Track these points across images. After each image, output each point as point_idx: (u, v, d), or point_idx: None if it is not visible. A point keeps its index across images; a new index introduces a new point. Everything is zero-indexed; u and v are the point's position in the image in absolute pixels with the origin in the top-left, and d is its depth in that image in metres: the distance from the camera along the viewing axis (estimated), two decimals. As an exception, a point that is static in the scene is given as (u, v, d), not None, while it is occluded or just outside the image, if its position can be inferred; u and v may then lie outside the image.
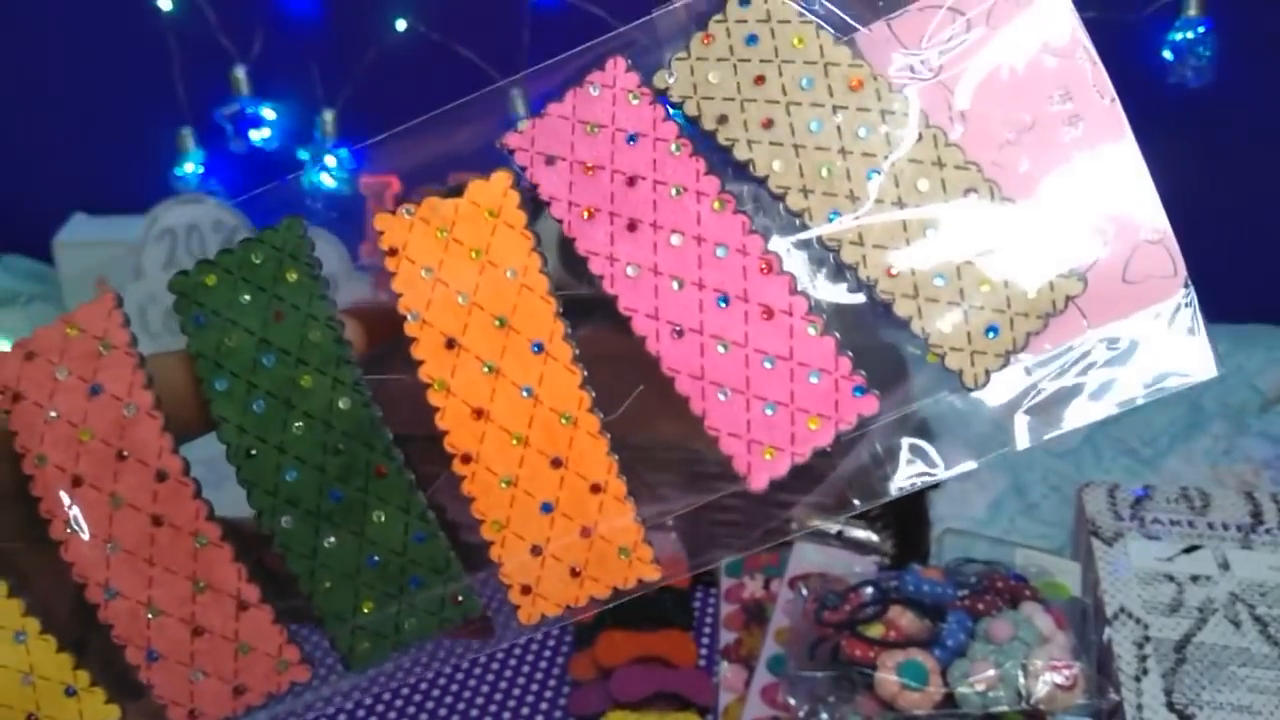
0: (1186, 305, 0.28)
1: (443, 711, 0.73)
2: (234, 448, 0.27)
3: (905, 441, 0.28)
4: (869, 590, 0.65)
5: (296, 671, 0.28)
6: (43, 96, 1.23)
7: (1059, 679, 0.59)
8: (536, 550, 0.27)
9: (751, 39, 0.28)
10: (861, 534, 0.76)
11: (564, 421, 0.27)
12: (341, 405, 0.27)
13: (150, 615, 0.27)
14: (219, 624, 0.27)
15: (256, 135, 1.11)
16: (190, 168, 1.10)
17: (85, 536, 0.27)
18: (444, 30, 1.04)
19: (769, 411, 0.27)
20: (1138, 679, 0.63)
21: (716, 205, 0.27)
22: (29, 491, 0.27)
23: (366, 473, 0.27)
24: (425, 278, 0.27)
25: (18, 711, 0.27)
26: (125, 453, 0.27)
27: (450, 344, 0.27)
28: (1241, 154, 1.09)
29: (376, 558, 0.27)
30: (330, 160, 1.06)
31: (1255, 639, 0.65)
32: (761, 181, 0.28)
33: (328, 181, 0.98)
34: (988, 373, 0.27)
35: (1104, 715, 0.62)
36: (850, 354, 0.26)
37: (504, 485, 0.27)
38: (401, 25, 1.05)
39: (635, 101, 0.28)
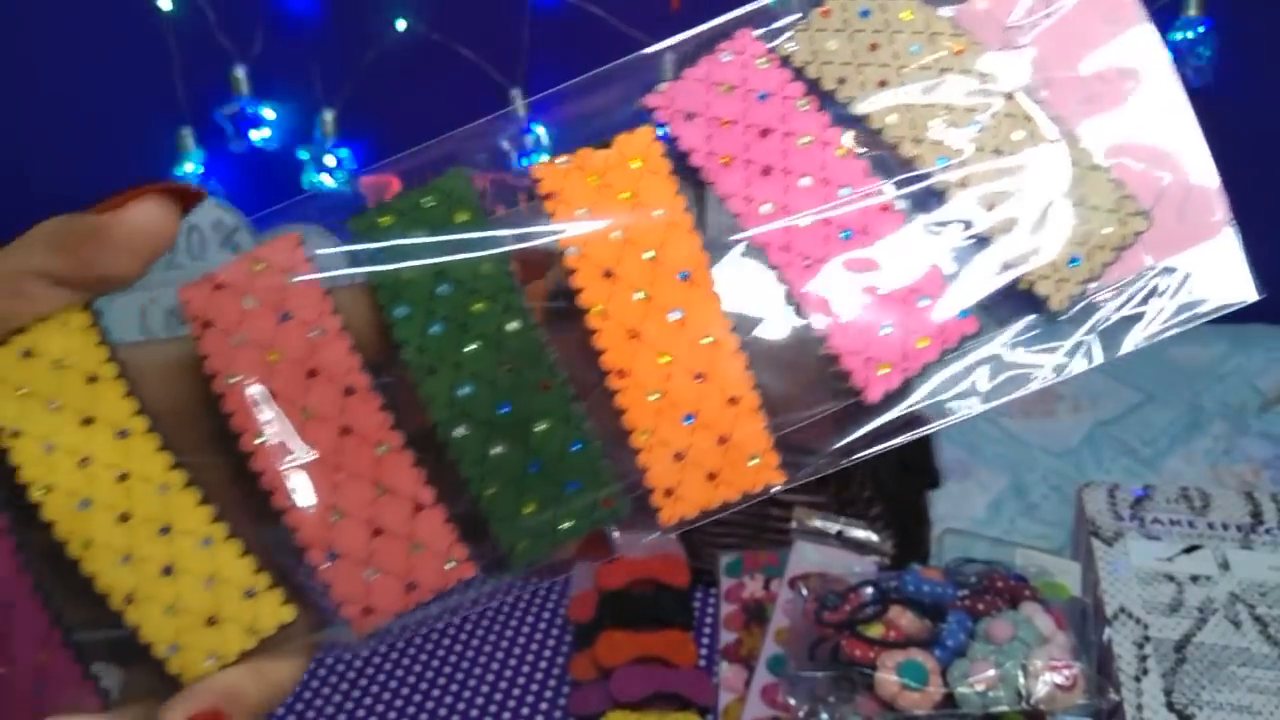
0: (1231, 242, 0.32)
1: (443, 711, 0.73)
2: (415, 366, 0.29)
3: (988, 366, 0.31)
4: (869, 590, 0.65)
5: (464, 569, 0.29)
6: (43, 96, 1.23)
7: (1059, 679, 0.59)
8: (679, 456, 0.29)
9: (865, 13, 0.32)
10: (861, 534, 0.76)
11: (706, 341, 0.29)
12: (510, 328, 0.29)
13: (334, 518, 0.29)
14: (396, 524, 0.29)
15: (256, 135, 1.11)
16: (190, 167, 1.10)
17: (275, 447, 0.28)
18: (444, 30, 1.04)
19: (884, 332, 0.30)
20: (1138, 679, 0.63)
21: (840, 152, 0.31)
22: (218, 410, 0.28)
23: (532, 388, 0.29)
24: (581, 216, 0.30)
25: (198, 615, 0.28)
26: (314, 371, 0.29)
27: (607, 274, 0.30)
28: (1241, 154, 1.08)
29: (538, 464, 0.29)
30: (329, 160, 1.06)
31: (1255, 639, 0.65)
32: (877, 133, 0.31)
33: (328, 181, 0.98)
34: (1070, 298, 0.31)
35: (1104, 715, 0.62)
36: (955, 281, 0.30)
37: (652, 398, 0.29)
38: (401, 25, 1.05)
39: (764, 65, 0.32)
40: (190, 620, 0.28)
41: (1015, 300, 0.31)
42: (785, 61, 0.32)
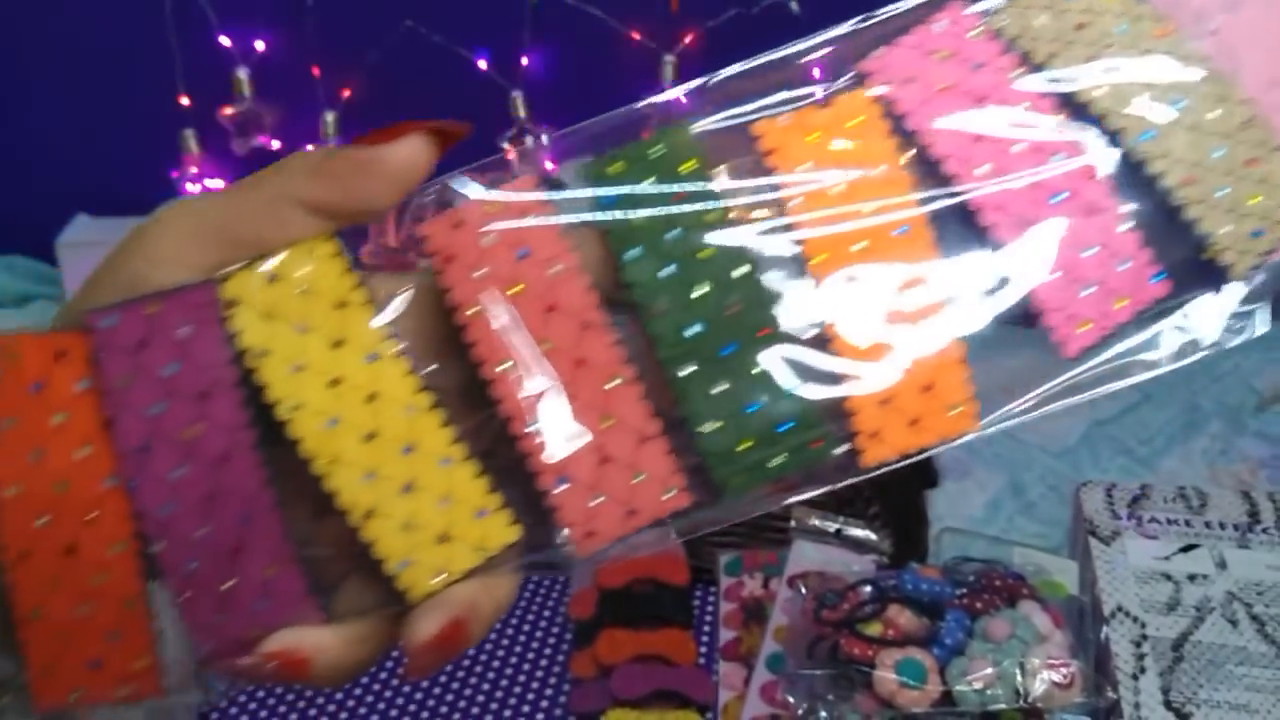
0: None
1: (443, 710, 0.73)
2: (645, 306, 0.30)
3: (1171, 330, 0.33)
4: (867, 589, 0.65)
5: (679, 498, 0.30)
6: (45, 98, 1.23)
7: (1057, 677, 0.59)
8: (886, 402, 0.31)
9: None
10: (860, 533, 0.76)
11: (924, 295, 0.31)
12: (736, 274, 0.30)
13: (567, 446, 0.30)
14: (622, 453, 0.29)
15: (259, 137, 1.11)
16: (192, 169, 1.10)
17: (515, 377, 0.29)
18: (444, 30, 1.04)
19: (1085, 292, 0.31)
20: (1135, 677, 0.63)
21: (1052, 121, 0.32)
22: (455, 340, 0.29)
23: (753, 331, 0.30)
24: (804, 169, 0.31)
25: (432, 532, 0.28)
26: (553, 306, 0.29)
27: (829, 224, 0.31)
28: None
29: (756, 404, 0.30)
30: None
31: (1252, 637, 0.65)
32: (1084, 106, 0.32)
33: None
34: (1250, 269, 0.32)
35: (1101, 713, 0.62)
36: (1151, 247, 0.31)
37: (866, 346, 0.31)
38: (402, 27, 1.05)
39: (976, 37, 0.33)
40: (423, 537, 0.28)
41: (1198, 267, 0.32)
42: (997, 35, 0.33)
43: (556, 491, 0.29)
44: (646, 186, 0.30)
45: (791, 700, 0.62)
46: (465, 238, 0.30)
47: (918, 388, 0.31)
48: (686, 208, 0.30)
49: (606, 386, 0.29)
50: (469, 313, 0.29)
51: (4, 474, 0.27)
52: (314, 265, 0.29)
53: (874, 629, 0.63)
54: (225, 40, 1.11)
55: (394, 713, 0.73)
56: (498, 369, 0.29)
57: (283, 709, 0.74)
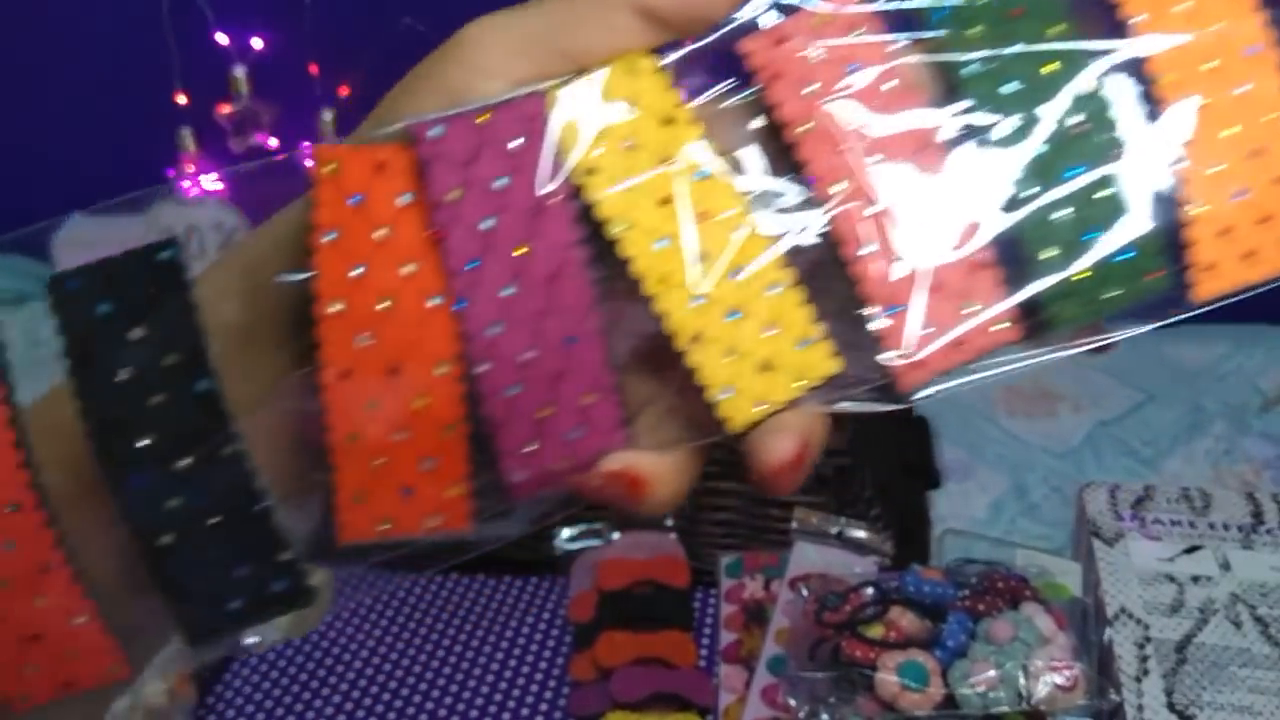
0: None
1: (443, 712, 0.73)
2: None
3: None
4: (869, 591, 0.65)
5: (1009, 331, 0.29)
6: (42, 96, 1.23)
7: (1060, 679, 0.59)
8: (1223, 233, 0.29)
9: None
10: (862, 534, 0.76)
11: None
12: (1081, 92, 0.28)
13: (898, 271, 0.29)
14: (954, 281, 0.28)
15: (256, 135, 1.11)
16: (190, 167, 1.10)
17: (848, 198, 0.28)
18: (444, 30, 1.04)
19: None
20: (1138, 679, 0.63)
21: None
22: (772, 160, 0.28)
23: (1098, 154, 0.28)
24: (1177, 29, 0.29)
25: (752, 360, 0.28)
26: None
27: (1198, 68, 0.29)
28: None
29: (1096, 232, 0.29)
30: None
31: (1256, 639, 0.65)
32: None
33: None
34: None
35: (1105, 716, 0.62)
36: None
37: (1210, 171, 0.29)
38: (401, 25, 1.05)
39: None
40: (746, 365, 0.27)
41: None
42: None
43: (886, 317, 0.28)
44: (1014, 49, 0.28)
45: (793, 703, 0.62)
46: (791, 53, 0.28)
47: (1255, 219, 0.29)
48: (1024, 24, 0.28)
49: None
50: (800, 130, 0.28)
51: (325, 289, 0.26)
52: (638, 80, 0.27)
53: (876, 631, 0.62)
54: (222, 38, 1.11)
55: (392, 715, 0.73)
56: (832, 189, 0.28)
57: (280, 711, 0.73)
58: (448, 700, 0.74)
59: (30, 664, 0.27)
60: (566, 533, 0.82)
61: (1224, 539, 0.72)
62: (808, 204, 0.28)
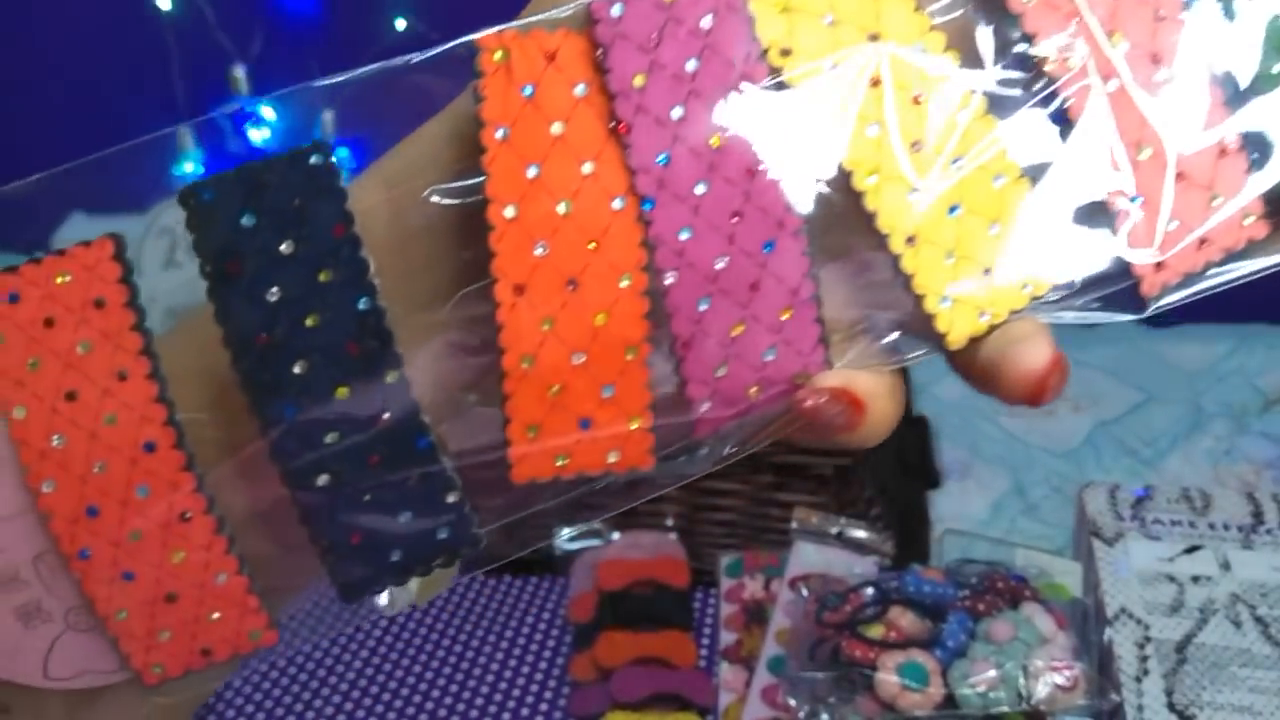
0: None
1: (443, 712, 0.73)
2: None
3: None
4: (869, 591, 0.65)
5: (1258, 226, 0.25)
6: (42, 96, 1.23)
7: (1060, 679, 0.59)
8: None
9: None
10: (862, 534, 0.76)
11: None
12: None
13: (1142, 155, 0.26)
14: (1199, 173, 0.25)
15: (256, 135, 1.11)
16: (190, 167, 1.10)
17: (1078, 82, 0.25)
18: (444, 30, 1.04)
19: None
20: (1138, 679, 0.63)
21: None
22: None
23: None
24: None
25: (978, 265, 0.25)
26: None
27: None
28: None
29: None
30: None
31: (1256, 639, 0.65)
32: None
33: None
34: None
35: (1105, 716, 0.62)
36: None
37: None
38: (401, 25, 1.05)
39: None
40: (970, 269, 0.25)
41: None
42: None
43: (1127, 210, 0.25)
44: None
45: (793, 703, 0.62)
46: None
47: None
48: None
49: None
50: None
51: (499, 192, 0.24)
52: None
53: (876, 631, 0.62)
54: (223, 38, 1.11)
55: (392, 715, 0.73)
56: (1065, 61, 0.24)
57: (280, 711, 0.73)
58: (448, 700, 0.74)
59: (164, 629, 0.25)
60: (566, 533, 0.82)
61: (1224, 539, 0.72)
62: (1033, 81, 0.25)
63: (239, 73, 1.09)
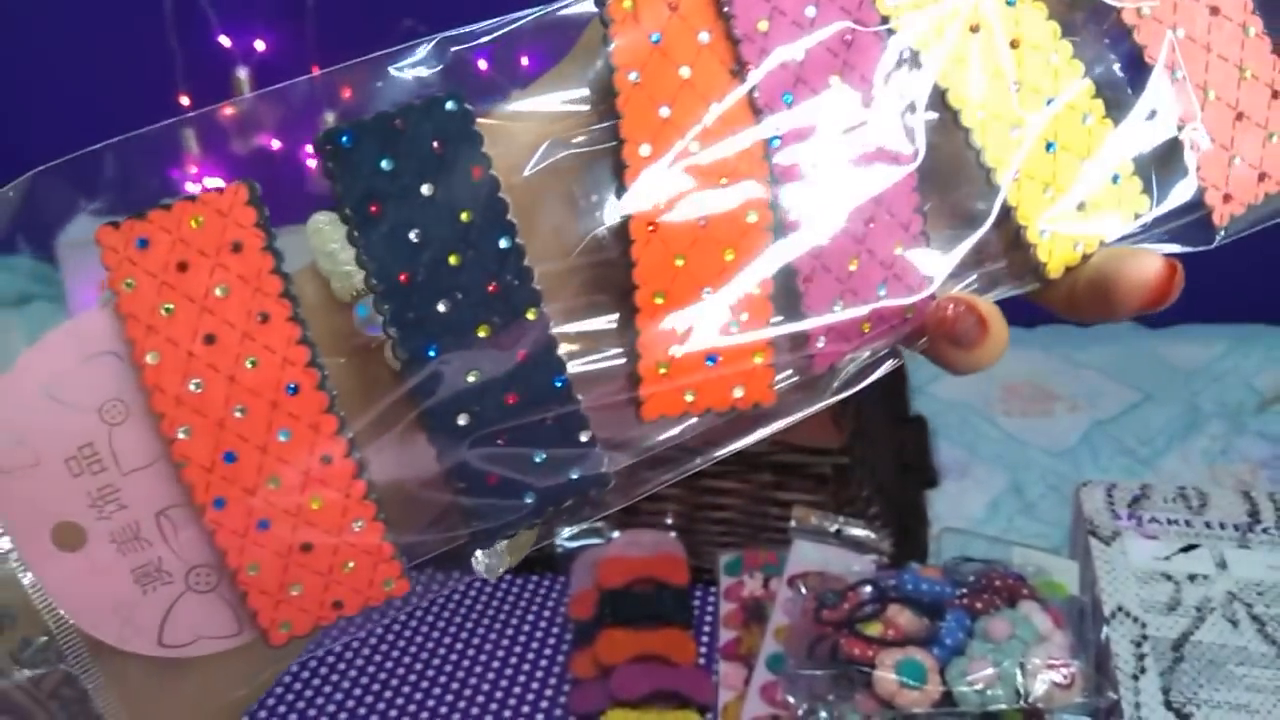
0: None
1: (443, 710, 0.73)
2: None
3: None
4: (868, 589, 0.65)
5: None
6: (44, 96, 1.23)
7: (1057, 677, 0.59)
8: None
9: None
10: (860, 533, 0.76)
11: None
12: None
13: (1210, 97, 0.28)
14: (1255, 112, 0.28)
15: (258, 136, 1.11)
16: (192, 168, 1.10)
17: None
18: (444, 30, 1.04)
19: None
20: (1135, 677, 0.63)
21: None
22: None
23: None
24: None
25: (1070, 198, 0.27)
26: None
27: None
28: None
29: None
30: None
31: (1253, 638, 0.65)
32: None
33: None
34: None
35: (1102, 714, 0.62)
36: None
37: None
38: (402, 26, 1.05)
39: None
40: (1065, 202, 0.26)
41: None
42: None
43: (1197, 149, 0.27)
44: None
45: (792, 700, 0.62)
46: None
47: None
48: None
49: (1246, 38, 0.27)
50: None
51: (633, 131, 0.25)
52: None
53: (874, 629, 0.62)
54: (225, 40, 1.11)
55: (392, 714, 0.73)
56: (1139, 9, 0.27)
57: (281, 709, 0.74)
58: (448, 699, 0.74)
59: (296, 582, 0.24)
60: (566, 531, 0.82)
61: (1220, 538, 0.72)
62: (1113, 27, 0.27)
63: (242, 74, 1.09)
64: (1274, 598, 0.68)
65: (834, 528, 0.76)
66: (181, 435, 0.23)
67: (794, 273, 0.25)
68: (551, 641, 0.78)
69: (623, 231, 0.25)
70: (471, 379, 0.24)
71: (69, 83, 1.21)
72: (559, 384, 0.24)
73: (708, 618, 0.79)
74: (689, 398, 0.25)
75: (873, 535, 0.76)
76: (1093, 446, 0.96)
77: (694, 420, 0.26)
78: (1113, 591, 0.69)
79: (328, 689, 0.75)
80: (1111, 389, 1.03)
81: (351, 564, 0.24)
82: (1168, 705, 0.61)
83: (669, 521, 0.82)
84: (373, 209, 0.24)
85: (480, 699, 0.74)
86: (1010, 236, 0.26)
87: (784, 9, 0.25)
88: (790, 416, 0.27)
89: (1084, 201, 0.26)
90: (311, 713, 0.73)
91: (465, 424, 0.24)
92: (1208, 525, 0.73)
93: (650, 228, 0.25)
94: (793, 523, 0.76)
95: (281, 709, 0.74)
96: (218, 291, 0.23)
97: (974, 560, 0.69)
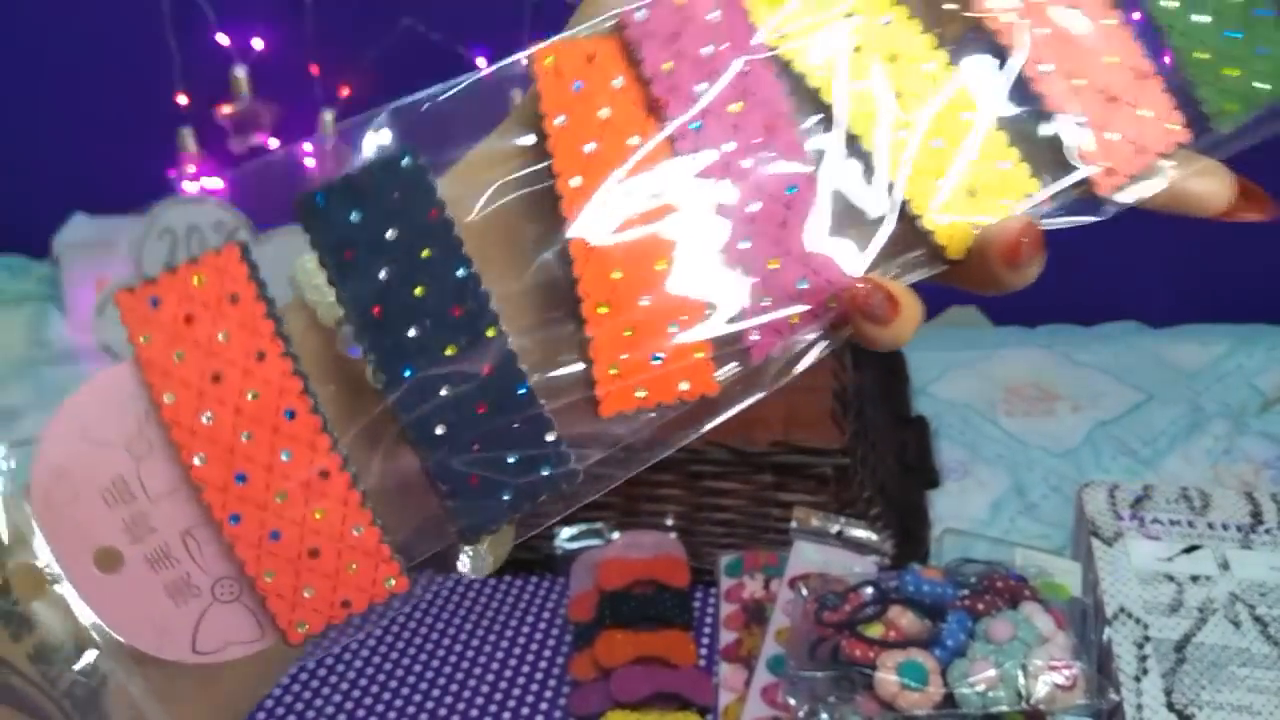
0: None
1: (443, 711, 0.73)
2: None
3: None
4: (869, 590, 0.65)
5: (1180, 134, 0.31)
6: (43, 96, 1.23)
7: (1059, 679, 0.59)
8: None
9: None
10: (861, 534, 0.76)
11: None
12: None
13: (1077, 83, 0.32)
14: (1125, 92, 0.31)
15: (257, 136, 1.11)
16: (190, 168, 1.10)
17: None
18: (444, 31, 1.04)
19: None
20: (1137, 679, 0.63)
21: None
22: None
23: None
24: None
25: (961, 185, 0.30)
26: None
27: None
28: (1241, 153, 1.08)
29: (1236, 33, 0.32)
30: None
31: (1255, 639, 0.65)
32: None
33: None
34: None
35: (1104, 715, 0.62)
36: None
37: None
38: (401, 25, 1.05)
39: None
40: (957, 189, 0.30)
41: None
42: None
43: (1071, 129, 0.30)
44: None
45: (792, 702, 0.62)
46: None
47: None
48: None
49: (1104, 22, 0.31)
50: None
51: (564, 167, 0.29)
52: None
53: (875, 630, 0.62)
54: (223, 38, 1.11)
55: (392, 715, 0.73)
56: (1002, 17, 0.30)
57: (280, 710, 0.74)
58: (448, 700, 0.74)
59: (307, 585, 0.28)
60: (566, 532, 0.82)
61: (1223, 539, 0.72)
62: (982, 34, 0.31)
63: (240, 73, 1.09)
64: (1277, 599, 0.67)
65: (835, 529, 0.76)
66: (198, 462, 0.27)
67: (722, 276, 0.29)
68: (551, 643, 0.78)
69: (565, 254, 0.29)
70: (444, 393, 0.28)
71: (68, 82, 1.21)
72: (522, 391, 0.28)
73: (708, 619, 0.79)
74: (640, 394, 0.29)
75: (874, 536, 0.75)
76: (1095, 447, 0.96)
77: (650, 414, 0.29)
78: (1115, 593, 0.68)
79: (327, 690, 0.75)
80: (1114, 389, 1.03)
81: (355, 565, 0.28)
82: (1170, 707, 0.61)
83: (669, 523, 0.82)
84: (346, 255, 0.28)
85: (480, 701, 0.74)
86: (911, 226, 0.30)
87: (685, 52, 0.29)
88: (738, 405, 0.30)
89: (975, 188, 0.30)
90: (311, 714, 0.73)
91: (443, 433, 0.28)
92: (1210, 526, 0.73)
93: (588, 248, 0.29)
94: (794, 524, 0.76)
95: (281, 710, 0.73)
96: (220, 337, 0.27)
97: (976, 561, 0.68)
